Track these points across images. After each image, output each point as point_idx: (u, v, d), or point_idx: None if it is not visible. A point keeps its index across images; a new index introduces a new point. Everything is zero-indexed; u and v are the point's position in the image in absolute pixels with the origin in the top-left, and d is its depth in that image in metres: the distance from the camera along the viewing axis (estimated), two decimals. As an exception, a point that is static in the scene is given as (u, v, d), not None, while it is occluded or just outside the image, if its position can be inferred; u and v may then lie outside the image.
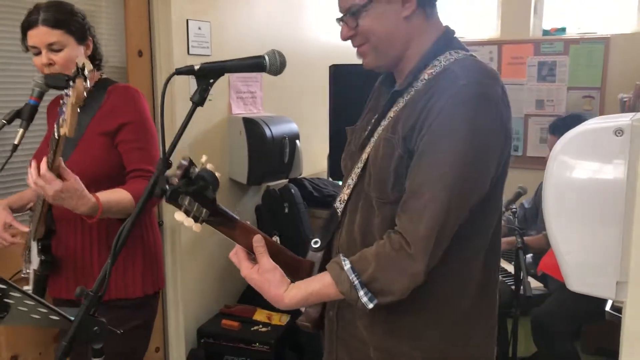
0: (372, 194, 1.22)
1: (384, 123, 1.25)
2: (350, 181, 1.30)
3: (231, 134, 3.07)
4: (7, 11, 2.19)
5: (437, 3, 1.27)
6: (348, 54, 3.65)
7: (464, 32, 4.43)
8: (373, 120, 1.30)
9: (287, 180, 3.24)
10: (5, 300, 1.23)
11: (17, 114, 1.72)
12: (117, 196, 1.68)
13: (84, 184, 1.73)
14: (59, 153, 1.51)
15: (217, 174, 1.11)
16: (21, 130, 1.70)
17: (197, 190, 1.07)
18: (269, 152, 2.97)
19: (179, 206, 1.08)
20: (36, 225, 1.78)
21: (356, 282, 1.14)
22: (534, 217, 3.17)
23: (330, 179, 3.37)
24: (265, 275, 1.18)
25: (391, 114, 1.24)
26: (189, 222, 1.10)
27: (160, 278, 1.98)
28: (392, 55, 1.25)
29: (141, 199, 1.17)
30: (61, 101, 1.43)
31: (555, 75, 4.12)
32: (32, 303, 1.21)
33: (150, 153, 1.79)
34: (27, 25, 1.73)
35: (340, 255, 1.18)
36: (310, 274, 1.25)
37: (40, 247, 1.81)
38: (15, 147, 1.70)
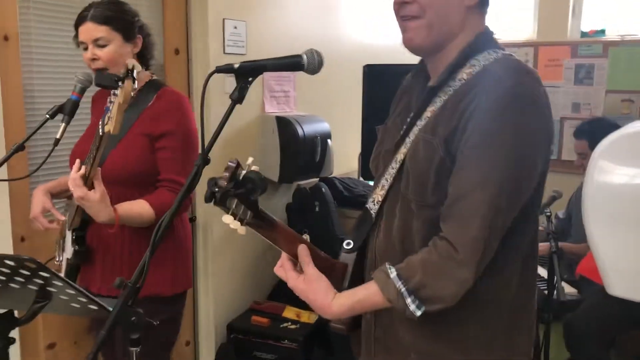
0: (411, 196, 1.18)
1: (421, 123, 1.20)
2: (385, 182, 1.27)
3: (264, 133, 3.10)
4: (64, 10, 2.26)
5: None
6: (381, 53, 3.65)
7: (500, 33, 4.38)
8: (409, 119, 1.25)
9: (318, 179, 3.26)
10: (48, 288, 1.26)
11: (60, 109, 1.77)
12: (138, 209, 1.72)
13: (120, 179, 1.78)
14: (101, 150, 1.56)
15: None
16: (63, 125, 1.75)
17: (246, 193, 1.07)
18: (300, 150, 2.99)
19: (226, 209, 1.09)
20: (73, 215, 1.83)
21: (403, 289, 1.12)
22: (568, 227, 3.12)
23: (361, 179, 3.37)
24: (311, 285, 1.18)
25: (428, 113, 1.19)
26: (235, 224, 1.11)
27: (189, 278, 2.00)
28: (441, 39, 1.19)
29: (180, 194, 1.20)
30: (109, 99, 1.47)
31: (593, 78, 4.04)
32: (73, 292, 1.24)
33: (185, 166, 1.81)
34: (78, 21, 1.79)
35: (387, 263, 1.16)
36: (344, 276, 1.24)
37: (74, 237, 1.85)
38: (57, 141, 1.75)
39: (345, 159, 3.59)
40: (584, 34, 4.16)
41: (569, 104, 4.13)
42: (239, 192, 1.08)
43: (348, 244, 1.29)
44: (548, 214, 2.72)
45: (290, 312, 2.94)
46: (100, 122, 1.50)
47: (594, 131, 2.93)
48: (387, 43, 3.84)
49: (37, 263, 1.14)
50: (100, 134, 1.50)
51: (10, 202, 2.05)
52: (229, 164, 1.08)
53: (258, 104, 3.09)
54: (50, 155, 1.76)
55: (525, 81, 1.12)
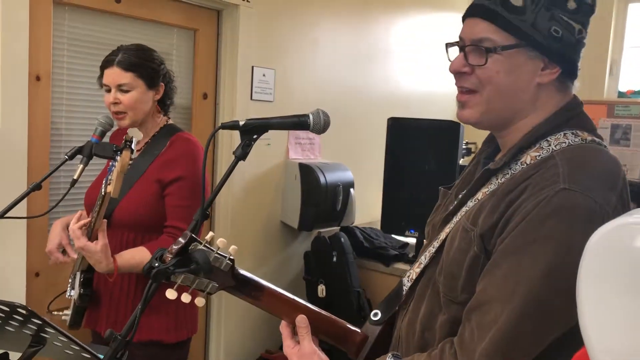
0: (441, 287, 1.06)
1: (470, 204, 1.07)
2: (423, 259, 1.15)
3: (287, 178, 3.10)
4: (97, 52, 2.34)
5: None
6: (409, 105, 3.63)
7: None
8: (461, 196, 1.12)
9: (339, 227, 3.22)
10: (42, 334, 1.26)
11: (79, 151, 1.80)
12: (139, 258, 1.75)
13: (130, 225, 1.81)
14: (103, 209, 1.62)
15: (231, 248, 1.06)
16: (81, 166, 1.78)
17: (187, 272, 1.01)
18: (321, 198, 2.97)
19: (171, 284, 1.03)
20: (81, 257, 1.85)
21: None
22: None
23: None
24: (303, 358, 1.12)
25: (480, 195, 1.06)
26: (185, 298, 1.05)
27: (194, 324, 1.98)
28: (502, 118, 1.05)
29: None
30: (110, 163, 1.54)
31: (630, 139, 3.93)
32: (65, 340, 1.24)
33: (192, 214, 1.82)
34: (105, 64, 1.84)
35: (391, 353, 1.09)
36: (362, 348, 1.18)
37: (82, 280, 1.86)
38: (74, 181, 1.78)
39: (368, 208, 3.55)
40: (621, 94, 4.08)
41: (603, 164, 4.02)
42: (179, 270, 1.00)
43: (375, 314, 1.22)
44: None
45: None
46: (103, 182, 1.55)
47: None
48: (414, 94, 3.86)
49: (28, 311, 1.15)
50: (103, 193, 1.55)
51: (28, 238, 2.08)
52: (179, 239, 1.01)
53: (283, 150, 3.11)
54: (66, 195, 1.79)
55: (588, 186, 0.92)
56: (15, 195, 1.67)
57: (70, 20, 2.26)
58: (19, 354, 1.28)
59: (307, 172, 3.01)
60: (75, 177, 1.78)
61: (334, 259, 2.97)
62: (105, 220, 1.66)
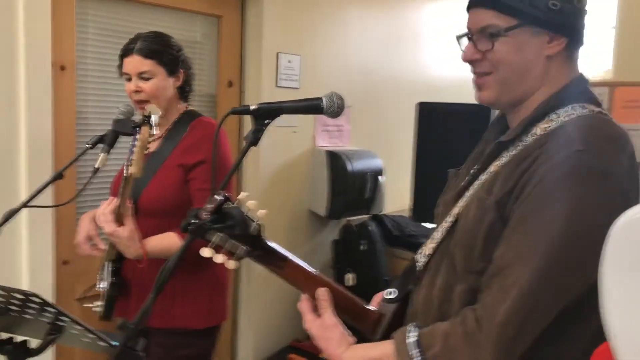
0: (457, 258, 1.08)
1: (483, 177, 1.10)
2: (437, 234, 1.17)
3: (314, 166, 3.06)
4: (121, 40, 2.34)
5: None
6: (438, 90, 3.55)
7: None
8: (472, 171, 1.16)
9: (368, 215, 3.17)
10: (58, 322, 1.26)
11: (100, 139, 1.80)
12: (167, 243, 1.73)
13: (157, 211, 1.80)
14: (128, 192, 1.62)
15: (259, 212, 1.08)
16: (102, 155, 1.78)
17: (224, 228, 1.03)
18: (349, 186, 2.93)
19: (207, 242, 1.06)
20: (110, 246, 1.86)
21: (417, 358, 1.03)
22: None
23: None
24: (325, 332, 1.13)
25: (492, 167, 1.09)
26: (219, 258, 1.07)
27: (224, 310, 1.98)
28: (518, 94, 1.10)
29: (186, 238, 1.17)
30: (131, 142, 1.51)
31: (675, 121, 3.75)
32: (80, 328, 1.24)
33: None
34: (124, 52, 1.83)
35: (411, 324, 1.09)
36: (378, 326, 1.19)
37: (111, 269, 1.88)
38: (96, 170, 1.78)
39: (398, 195, 3.49)
40: (666, 75, 3.88)
41: (646, 148, 3.85)
42: (216, 226, 1.03)
43: (389, 293, 1.23)
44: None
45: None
46: (125, 164, 1.54)
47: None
48: (444, 80, 3.76)
49: (41, 299, 1.15)
50: (126, 175, 1.54)
51: (56, 227, 2.11)
52: (215, 197, 1.04)
53: (310, 137, 3.07)
54: (88, 183, 1.79)
55: (602, 147, 0.97)
56: (42, 186, 1.68)
57: (94, 9, 2.26)
58: (40, 341, 1.30)
59: (334, 160, 2.97)
60: (97, 166, 1.78)
61: (362, 247, 2.93)
62: (131, 205, 1.66)
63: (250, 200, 1.07)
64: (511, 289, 0.95)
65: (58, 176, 1.76)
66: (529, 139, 1.06)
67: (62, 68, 2.15)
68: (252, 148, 1.20)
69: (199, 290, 1.87)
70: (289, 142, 2.93)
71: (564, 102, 1.06)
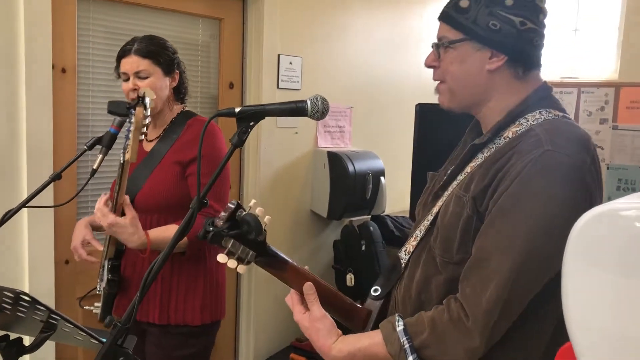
0: (437, 251, 1.16)
1: (460, 177, 1.19)
2: (419, 232, 1.24)
3: (316, 167, 3.08)
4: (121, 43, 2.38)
5: (536, 65, 1.19)
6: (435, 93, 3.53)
7: (578, 72, 4.15)
8: (449, 172, 1.25)
9: (370, 216, 3.18)
10: (50, 320, 1.29)
11: (98, 141, 1.83)
12: (169, 234, 1.74)
13: (155, 208, 1.83)
14: (125, 179, 1.63)
15: (266, 218, 1.14)
16: (100, 156, 1.81)
17: (240, 235, 1.09)
18: (350, 187, 2.94)
19: (222, 248, 1.11)
20: (107, 245, 1.89)
21: (407, 345, 1.08)
22: None
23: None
24: (315, 323, 1.17)
25: (468, 168, 1.18)
26: (232, 263, 1.13)
27: (221, 308, 2.00)
28: (467, 101, 1.21)
29: (174, 234, 1.19)
30: (126, 129, 1.54)
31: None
32: (71, 326, 1.26)
33: (215, 189, 1.83)
34: (122, 53, 1.88)
35: (397, 314, 1.14)
36: (366, 323, 1.23)
37: (109, 267, 1.90)
38: (93, 171, 1.81)
39: (399, 196, 3.50)
40: (671, 75, 3.85)
41: (651, 149, 3.81)
42: (233, 233, 1.09)
43: (375, 290, 1.28)
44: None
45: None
46: (122, 152, 1.56)
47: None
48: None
49: (30, 297, 1.17)
50: (121, 161, 1.56)
51: (56, 227, 2.14)
52: (229, 205, 1.10)
53: (312, 139, 3.09)
54: (87, 184, 1.82)
55: (566, 146, 1.06)
56: (42, 188, 1.71)
57: (95, 12, 2.30)
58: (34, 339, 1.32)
59: (335, 161, 2.98)
60: (94, 167, 1.81)
61: (363, 247, 2.95)
62: (127, 195, 1.67)
63: (259, 207, 1.13)
64: (492, 278, 1.04)
65: (57, 177, 1.79)
66: (501, 141, 1.15)
67: (63, 71, 2.18)
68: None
69: (195, 288, 1.90)
70: (291, 143, 2.95)
71: (530, 108, 1.16)
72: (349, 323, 1.22)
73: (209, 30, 2.71)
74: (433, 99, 3.30)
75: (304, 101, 1.22)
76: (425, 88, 3.63)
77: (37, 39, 2.01)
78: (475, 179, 1.12)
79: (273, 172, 2.89)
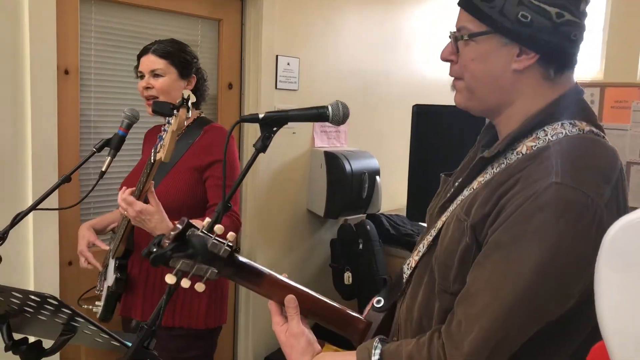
0: (436, 274, 1.06)
1: (466, 193, 1.07)
2: (421, 247, 1.15)
3: (312, 167, 3.11)
4: (124, 45, 2.38)
5: (572, 64, 1.02)
6: (434, 92, 3.61)
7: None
8: (457, 183, 1.12)
9: (366, 215, 3.23)
10: (73, 323, 1.30)
11: (106, 143, 1.84)
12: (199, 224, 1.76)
13: (166, 210, 1.84)
14: (152, 176, 1.64)
15: (228, 237, 1.05)
16: (109, 159, 1.82)
17: (184, 257, 1.01)
18: (347, 186, 2.98)
19: (169, 269, 1.03)
20: (117, 244, 1.90)
21: None
22: None
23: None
24: (290, 339, 1.13)
25: (475, 183, 1.06)
26: (185, 283, 1.04)
27: (223, 314, 2.03)
28: (488, 104, 1.05)
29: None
30: (162, 128, 1.56)
31: (664, 122, 3.82)
32: (95, 329, 1.28)
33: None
34: (142, 52, 1.95)
35: (377, 339, 1.07)
36: (365, 334, 1.18)
37: (117, 265, 1.92)
38: (102, 173, 1.82)
39: (395, 195, 3.54)
40: (656, 76, 3.96)
41: (636, 148, 3.91)
42: (176, 255, 1.00)
43: (379, 302, 1.22)
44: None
45: (329, 350, 2.89)
46: (152, 150, 1.59)
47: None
48: (439, 82, 3.80)
49: (58, 301, 1.18)
50: (152, 161, 1.58)
51: (60, 229, 2.14)
52: (177, 225, 1.01)
53: (308, 139, 3.11)
54: (95, 186, 1.83)
55: (581, 180, 0.90)
56: (46, 189, 1.72)
57: (97, 13, 2.29)
58: (52, 341, 1.33)
59: (332, 160, 3.02)
60: (103, 169, 1.82)
61: (360, 246, 2.98)
62: (153, 182, 1.68)
63: (218, 225, 1.04)
64: (477, 320, 0.92)
65: (66, 179, 1.80)
66: (513, 156, 1.01)
67: (66, 72, 2.18)
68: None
69: (199, 294, 1.91)
70: (288, 143, 2.98)
71: (552, 118, 1.00)
72: (347, 334, 1.18)
73: (208, 30, 2.72)
74: (427, 100, 3.34)
75: (326, 107, 1.25)
76: (420, 89, 3.69)
77: (41, 41, 2.01)
78: (477, 201, 0.99)
79: (271, 171, 2.92)
